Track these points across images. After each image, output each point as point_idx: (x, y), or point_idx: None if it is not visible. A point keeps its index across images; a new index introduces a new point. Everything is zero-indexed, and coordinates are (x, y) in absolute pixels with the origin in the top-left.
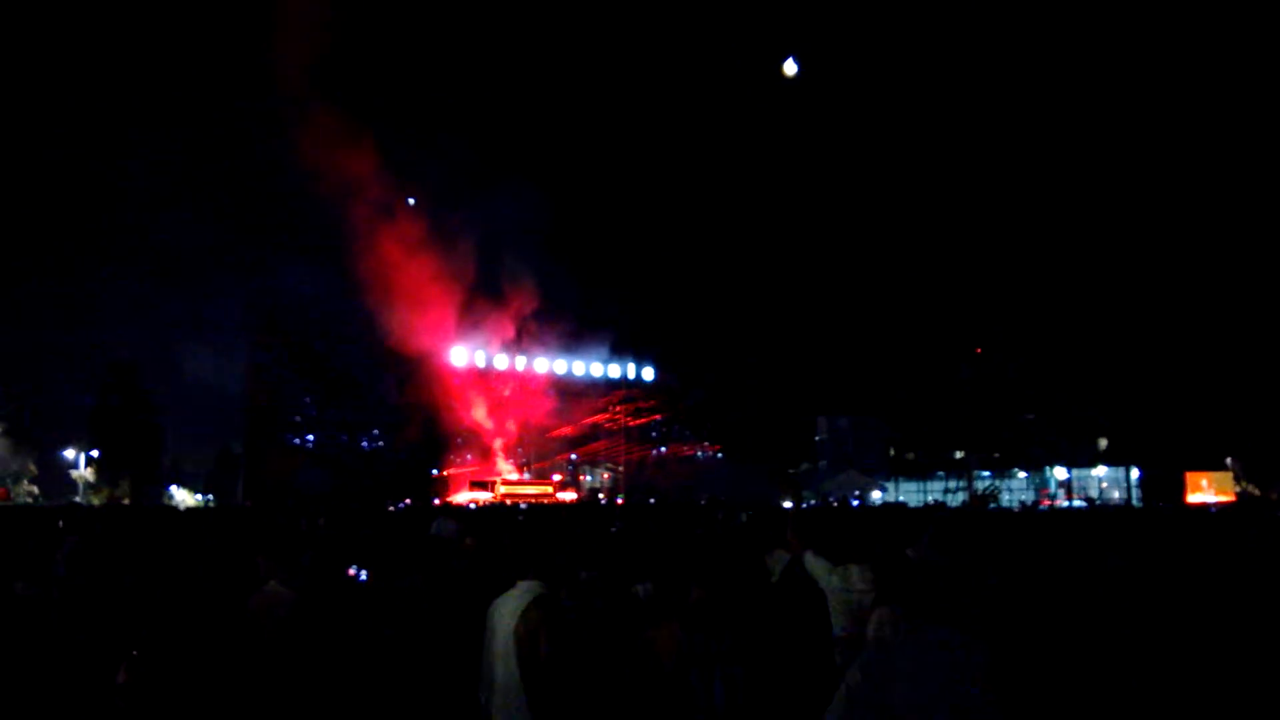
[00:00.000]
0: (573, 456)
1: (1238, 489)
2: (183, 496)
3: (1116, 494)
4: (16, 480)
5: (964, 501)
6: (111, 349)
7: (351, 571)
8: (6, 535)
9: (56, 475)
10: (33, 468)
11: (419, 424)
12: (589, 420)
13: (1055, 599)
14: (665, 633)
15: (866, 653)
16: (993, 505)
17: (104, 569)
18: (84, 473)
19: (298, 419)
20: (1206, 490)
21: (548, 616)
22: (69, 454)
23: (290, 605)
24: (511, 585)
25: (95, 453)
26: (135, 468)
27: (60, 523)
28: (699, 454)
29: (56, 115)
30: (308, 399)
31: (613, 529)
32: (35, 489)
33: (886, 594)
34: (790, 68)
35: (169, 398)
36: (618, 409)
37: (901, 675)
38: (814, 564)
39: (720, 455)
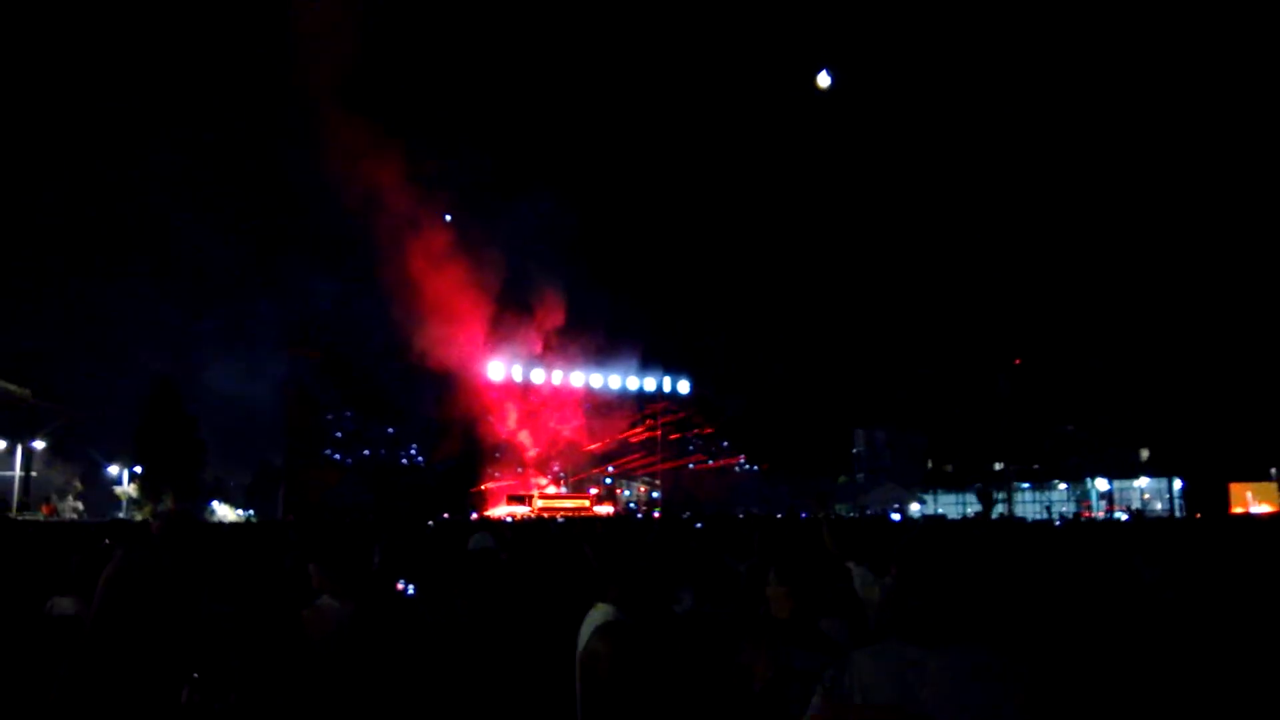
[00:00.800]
0: (609, 469)
1: None
2: (224, 511)
3: (1159, 505)
4: (62, 496)
5: (1000, 514)
6: (153, 365)
7: (400, 586)
8: (52, 551)
9: (100, 491)
10: (78, 484)
11: (456, 439)
12: (625, 434)
13: (1075, 613)
14: (759, 654)
15: (829, 668)
16: (999, 510)
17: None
18: (127, 489)
19: (338, 434)
20: (1251, 501)
21: (613, 644)
22: (113, 470)
23: (343, 619)
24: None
25: (138, 469)
26: (177, 483)
27: (106, 540)
28: (736, 467)
29: (88, 130)
30: (347, 414)
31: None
32: (80, 505)
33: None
34: (824, 79)
35: (209, 413)
36: (653, 422)
37: (856, 690)
38: (855, 573)
39: (754, 468)
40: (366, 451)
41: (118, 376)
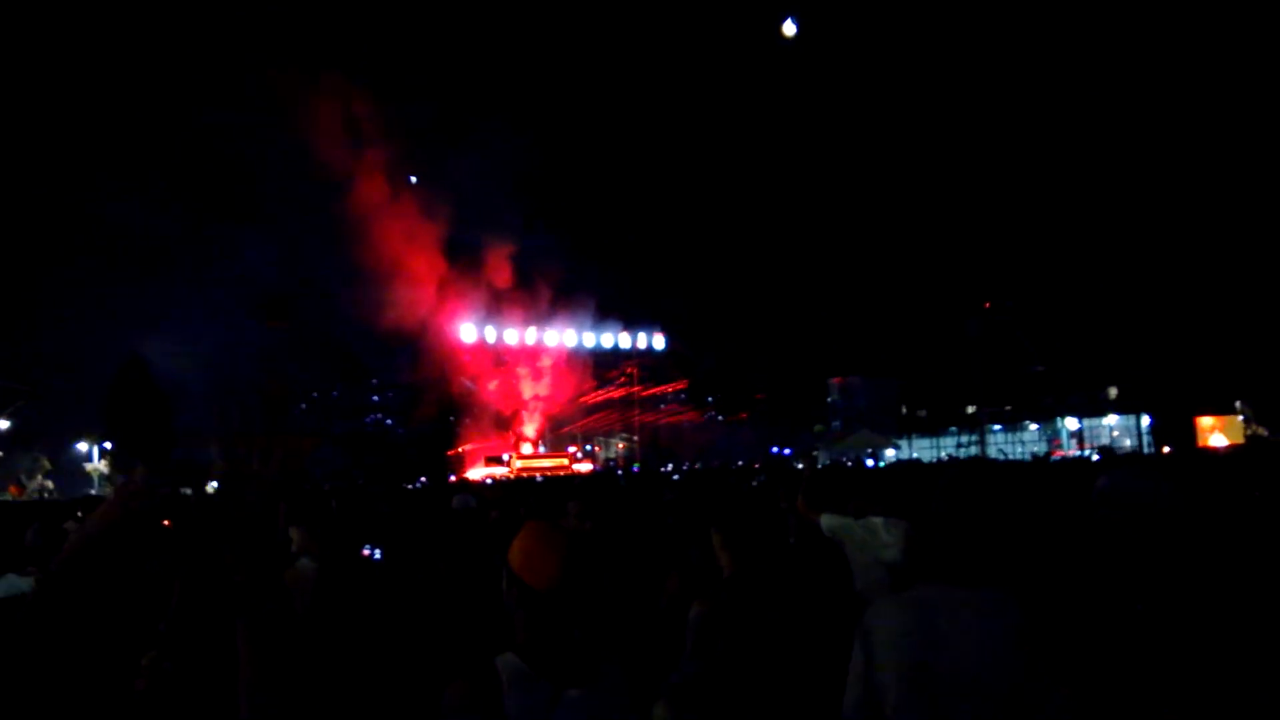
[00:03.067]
0: (586, 428)
1: (1248, 432)
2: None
3: (1129, 442)
4: (30, 476)
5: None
6: (116, 339)
7: (365, 551)
8: (16, 530)
9: (71, 470)
10: (46, 463)
11: (430, 402)
12: (601, 391)
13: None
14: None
15: (861, 618)
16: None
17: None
18: (98, 465)
19: (312, 400)
20: (1217, 434)
21: None
22: (82, 447)
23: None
24: None
25: (108, 445)
26: (149, 457)
27: (79, 513)
28: (715, 418)
29: (51, 109)
30: (319, 381)
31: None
32: (50, 484)
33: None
34: (789, 28)
35: (178, 385)
36: (629, 378)
37: (888, 637)
38: (834, 523)
39: (721, 418)
40: (334, 417)
41: (81, 352)
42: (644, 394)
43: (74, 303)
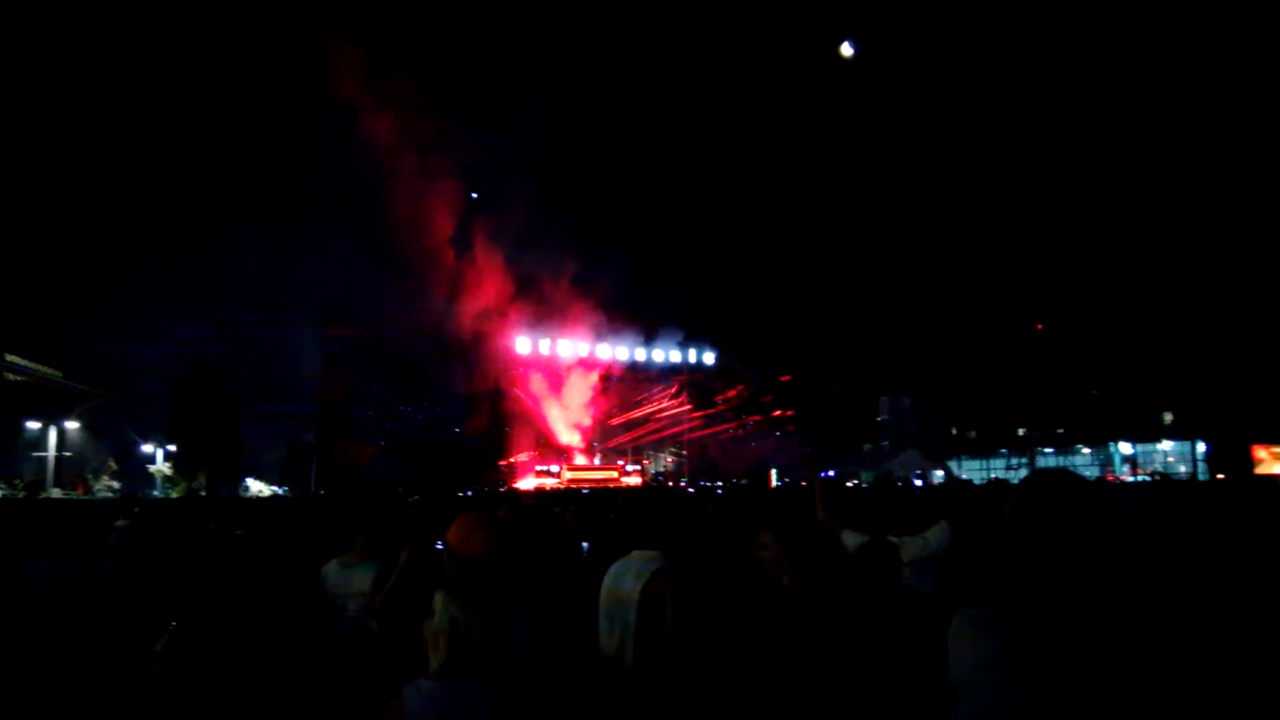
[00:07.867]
0: (635, 441)
1: None
2: (259, 487)
3: (1183, 468)
4: (96, 476)
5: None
6: (185, 344)
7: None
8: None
9: (135, 470)
10: (112, 463)
11: (485, 413)
12: (651, 404)
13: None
14: None
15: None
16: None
17: (154, 552)
18: (162, 467)
19: (369, 412)
20: (1272, 462)
21: (675, 587)
22: (147, 449)
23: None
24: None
25: (173, 447)
26: (212, 461)
27: (136, 509)
28: (764, 433)
29: (106, 114)
30: (377, 390)
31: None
32: (116, 484)
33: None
34: (847, 49)
35: (243, 390)
36: (680, 393)
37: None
38: (856, 541)
39: (778, 434)
40: (390, 425)
41: (150, 355)
42: (693, 410)
43: (143, 309)
